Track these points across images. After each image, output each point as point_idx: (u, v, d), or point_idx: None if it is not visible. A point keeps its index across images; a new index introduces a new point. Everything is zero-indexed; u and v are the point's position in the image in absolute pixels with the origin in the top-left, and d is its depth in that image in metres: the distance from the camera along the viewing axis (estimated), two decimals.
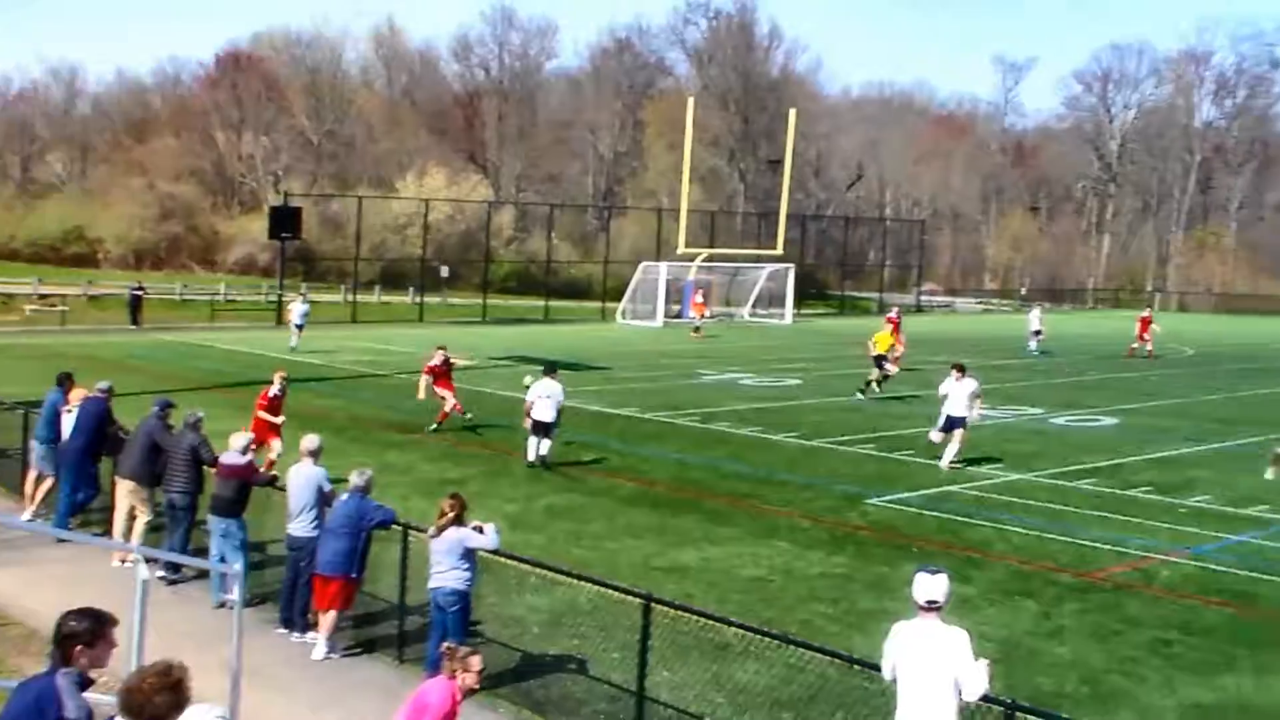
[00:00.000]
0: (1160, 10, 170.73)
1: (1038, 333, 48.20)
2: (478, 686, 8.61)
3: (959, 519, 18.90)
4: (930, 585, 7.99)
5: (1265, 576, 16.09)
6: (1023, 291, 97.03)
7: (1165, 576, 16.06)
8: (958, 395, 22.77)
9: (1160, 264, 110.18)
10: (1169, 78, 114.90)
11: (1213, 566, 16.56)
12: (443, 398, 25.31)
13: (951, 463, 22.67)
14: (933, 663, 7.90)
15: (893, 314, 41.17)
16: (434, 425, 25.20)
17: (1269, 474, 22.62)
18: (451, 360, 26.06)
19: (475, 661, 8.44)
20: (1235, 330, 69.89)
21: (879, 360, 33.42)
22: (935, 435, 23.14)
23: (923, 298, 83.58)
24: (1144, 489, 21.54)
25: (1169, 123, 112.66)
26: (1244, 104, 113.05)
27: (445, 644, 9.10)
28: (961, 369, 23.25)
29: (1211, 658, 12.99)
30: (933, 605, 7.98)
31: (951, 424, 22.77)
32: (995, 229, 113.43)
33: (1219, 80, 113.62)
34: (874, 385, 33.02)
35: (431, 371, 25.48)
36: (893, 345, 34.70)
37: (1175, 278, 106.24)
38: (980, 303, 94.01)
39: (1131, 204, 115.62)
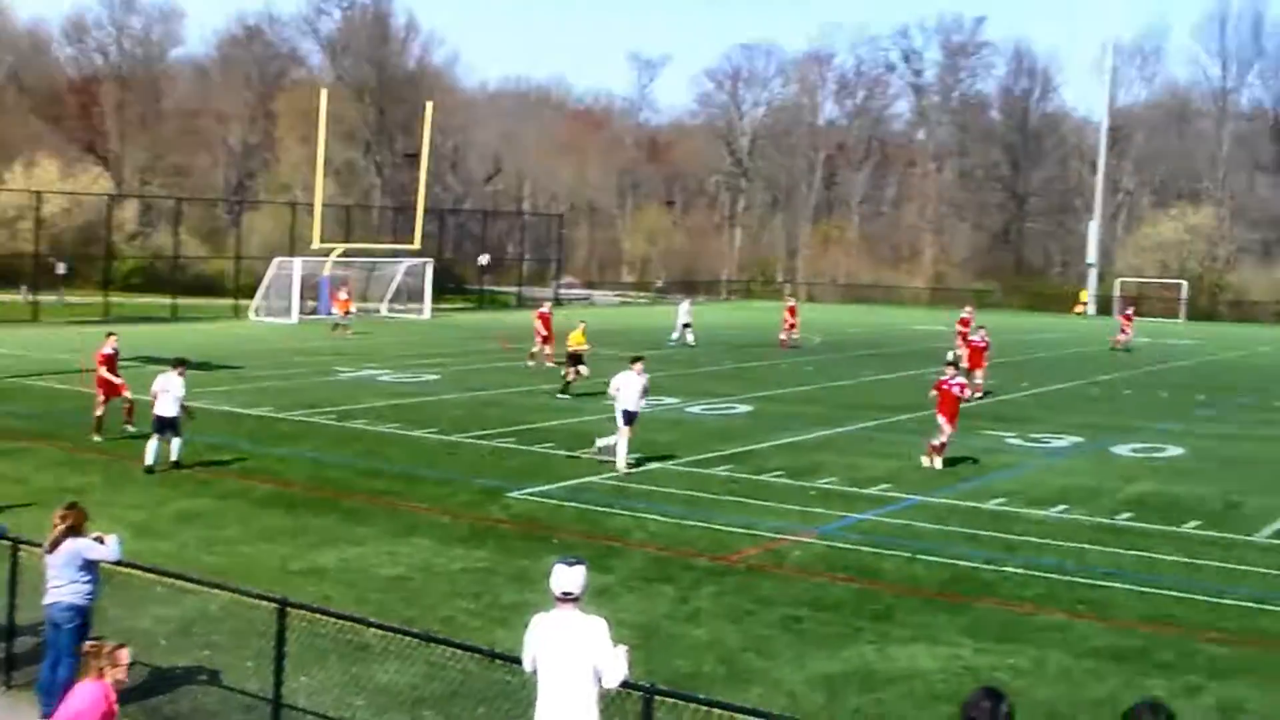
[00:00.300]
0: (786, 13, 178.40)
1: (687, 325, 49.41)
2: (126, 680, 8.14)
3: (599, 509, 19.09)
4: (566, 577, 7.97)
5: (887, 551, 16.88)
6: (659, 284, 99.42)
7: (796, 556, 16.65)
8: (634, 388, 22.44)
9: (789, 256, 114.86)
10: (795, 78, 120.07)
11: (839, 544, 17.26)
12: (102, 401, 24.07)
13: (626, 460, 22.11)
14: (572, 652, 7.88)
15: (544, 309, 41.27)
16: (125, 427, 24.04)
17: (925, 461, 23.56)
18: (118, 350, 24.85)
19: (123, 655, 7.99)
20: (859, 319, 73.57)
21: (574, 358, 33.40)
22: (624, 435, 22.25)
23: (561, 291, 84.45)
24: (775, 473, 22.29)
25: (796, 121, 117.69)
26: (863, 105, 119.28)
27: (88, 643, 8.55)
28: (640, 360, 23.03)
29: (838, 631, 13.51)
30: (568, 596, 7.96)
31: (630, 418, 22.31)
32: (631, 222, 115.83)
33: (840, 81, 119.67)
34: (569, 383, 32.78)
35: (106, 361, 24.23)
36: (583, 343, 34.36)
37: (804, 269, 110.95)
38: (618, 295, 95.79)
39: (762, 198, 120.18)
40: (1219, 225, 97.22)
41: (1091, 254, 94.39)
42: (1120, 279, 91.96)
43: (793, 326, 49.36)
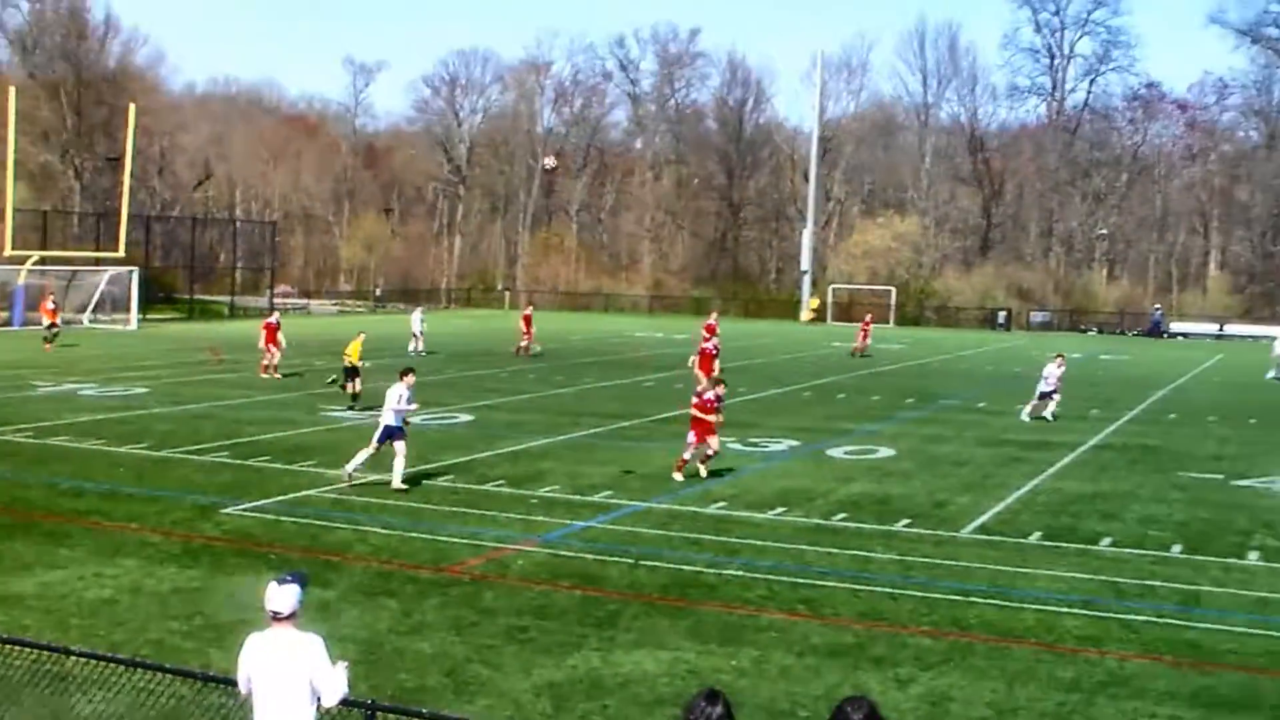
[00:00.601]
0: (503, 20, 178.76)
1: (420, 335, 48.81)
2: None
3: (318, 523, 18.60)
4: (277, 596, 7.71)
5: (610, 558, 16.92)
6: (377, 293, 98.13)
7: (520, 565, 16.53)
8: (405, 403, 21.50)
9: (509, 264, 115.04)
10: (512, 85, 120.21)
11: (563, 552, 17.22)
12: None
13: (402, 481, 21.18)
14: (287, 672, 7.62)
15: (272, 320, 40.08)
16: None
17: (677, 477, 23.19)
18: None
19: None
20: (579, 326, 74.08)
21: (351, 372, 32.34)
22: (370, 449, 21.38)
23: (277, 300, 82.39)
24: (498, 482, 22.14)
25: (514, 128, 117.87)
26: (580, 113, 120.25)
27: None
28: (410, 373, 22.14)
29: (563, 639, 13.45)
30: (279, 615, 7.70)
31: (390, 434, 21.27)
32: (348, 230, 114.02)
33: (558, 89, 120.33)
34: (346, 392, 31.69)
35: None
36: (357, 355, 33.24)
37: (524, 277, 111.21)
38: (335, 304, 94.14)
39: (480, 205, 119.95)
40: (924, 234, 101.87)
41: (805, 261, 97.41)
42: (833, 285, 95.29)
43: (528, 335, 49.36)
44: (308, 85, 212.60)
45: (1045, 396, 33.34)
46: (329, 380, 32.36)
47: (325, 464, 23.10)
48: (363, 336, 33.85)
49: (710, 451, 23.29)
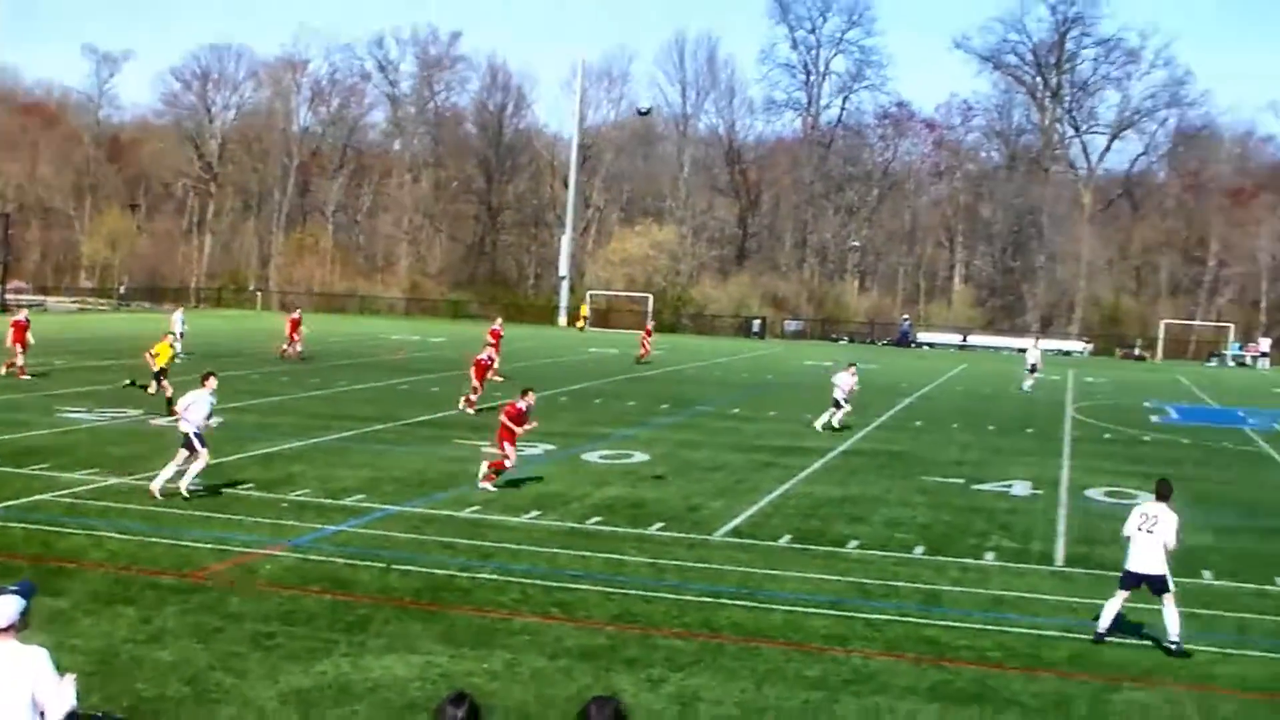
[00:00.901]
0: (259, 15, 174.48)
1: (181, 335, 47.16)
2: None
3: (50, 529, 17.74)
4: None
5: (362, 563, 16.61)
6: (121, 290, 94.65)
7: (268, 570, 16.09)
8: (203, 408, 20.50)
9: (262, 264, 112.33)
10: (267, 82, 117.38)
11: (313, 557, 16.83)
12: None
13: (189, 488, 20.14)
14: (5, 687, 7.20)
15: (20, 317, 38.13)
16: None
17: (479, 484, 22.73)
18: None
19: None
20: (334, 328, 72.70)
21: (159, 375, 30.63)
22: (204, 461, 20.30)
23: (10, 296, 78.66)
24: (246, 486, 21.52)
25: (269, 126, 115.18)
26: (338, 113, 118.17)
27: None
28: (212, 376, 21.19)
29: (312, 645, 13.13)
30: None
31: (199, 439, 20.27)
32: (90, 225, 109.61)
33: (315, 88, 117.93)
34: (149, 394, 30.18)
35: None
36: (173, 357, 31.64)
37: (277, 277, 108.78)
38: (75, 301, 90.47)
39: (233, 203, 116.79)
40: (681, 242, 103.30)
41: (564, 267, 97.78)
42: (590, 292, 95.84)
43: (294, 339, 48.13)
44: (46, 72, 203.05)
45: (839, 405, 33.50)
46: (125, 384, 30.80)
47: (59, 467, 22.11)
48: (169, 338, 32.80)
49: (508, 464, 22.72)
